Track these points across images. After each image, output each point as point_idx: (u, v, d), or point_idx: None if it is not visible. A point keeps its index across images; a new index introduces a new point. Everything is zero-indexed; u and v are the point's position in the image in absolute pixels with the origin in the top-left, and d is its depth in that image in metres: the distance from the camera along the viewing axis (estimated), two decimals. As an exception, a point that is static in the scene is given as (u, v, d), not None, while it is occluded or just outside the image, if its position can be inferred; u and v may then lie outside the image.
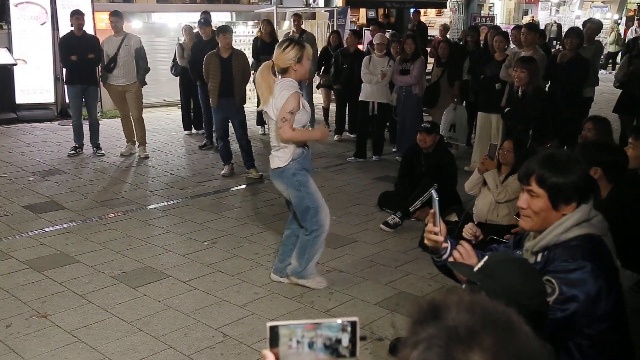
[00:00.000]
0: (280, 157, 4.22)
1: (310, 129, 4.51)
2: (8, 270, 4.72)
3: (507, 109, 6.28)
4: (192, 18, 10.36)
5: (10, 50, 10.32)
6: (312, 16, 14.60)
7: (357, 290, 4.46)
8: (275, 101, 4.09)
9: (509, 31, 8.53)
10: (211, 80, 7.22)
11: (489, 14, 21.03)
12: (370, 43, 9.46)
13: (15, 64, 10.27)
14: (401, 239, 5.47)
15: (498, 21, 20.35)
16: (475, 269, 2.10)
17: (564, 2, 26.16)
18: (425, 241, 2.36)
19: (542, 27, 16.57)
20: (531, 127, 5.98)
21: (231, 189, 7.03)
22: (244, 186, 7.16)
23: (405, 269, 4.77)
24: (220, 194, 6.84)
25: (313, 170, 4.44)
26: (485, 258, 2.12)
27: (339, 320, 1.13)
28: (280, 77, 4.17)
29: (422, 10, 17.60)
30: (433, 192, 2.27)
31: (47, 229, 5.63)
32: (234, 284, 4.54)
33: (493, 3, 23.74)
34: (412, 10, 18.02)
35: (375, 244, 5.39)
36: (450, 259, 2.33)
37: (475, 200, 5.30)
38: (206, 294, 4.31)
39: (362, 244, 5.38)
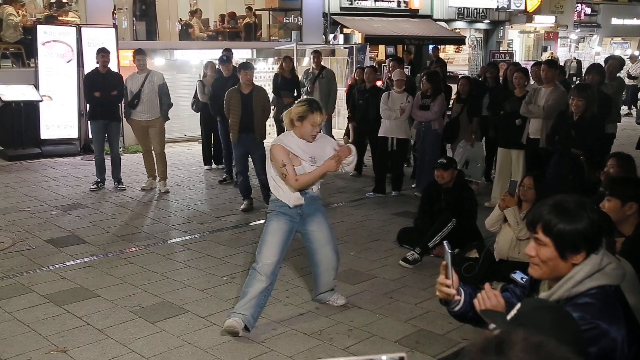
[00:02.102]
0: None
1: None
2: (29, 304, 4.75)
3: (556, 137, 6.24)
4: (214, 55, 10.54)
5: (36, 87, 10.59)
6: (332, 53, 14.80)
7: (377, 327, 4.40)
8: None
9: (529, 67, 8.55)
10: (232, 115, 7.30)
11: (507, 50, 21.16)
12: (389, 78, 9.50)
13: (42, 100, 10.52)
14: (421, 275, 5.41)
15: (517, 57, 20.46)
16: (509, 317, 2.05)
17: (583, 38, 26.24)
18: (437, 293, 2.32)
19: (561, 63, 16.59)
20: (587, 151, 5.95)
21: (250, 224, 7.04)
22: (263, 221, 7.12)
23: (426, 306, 4.71)
24: (239, 228, 6.85)
25: (331, 206, 4.45)
26: (519, 306, 2.05)
27: (386, 357, 1.13)
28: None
29: (440, 47, 17.74)
30: (445, 244, 2.25)
31: (67, 263, 5.67)
32: (253, 320, 4.50)
33: (512, 39, 23.90)
34: (431, 46, 18.19)
35: (394, 280, 5.34)
36: (476, 304, 2.27)
37: (496, 236, 5.26)
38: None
39: (382, 280, 5.33)
